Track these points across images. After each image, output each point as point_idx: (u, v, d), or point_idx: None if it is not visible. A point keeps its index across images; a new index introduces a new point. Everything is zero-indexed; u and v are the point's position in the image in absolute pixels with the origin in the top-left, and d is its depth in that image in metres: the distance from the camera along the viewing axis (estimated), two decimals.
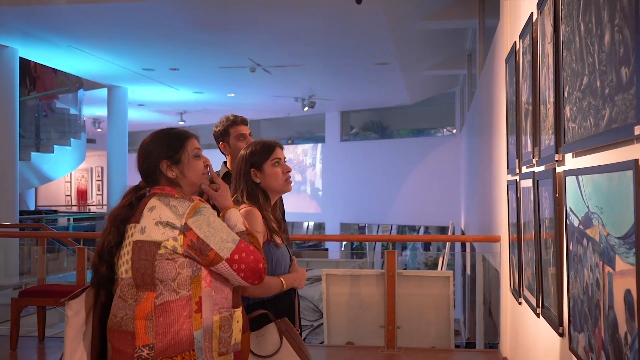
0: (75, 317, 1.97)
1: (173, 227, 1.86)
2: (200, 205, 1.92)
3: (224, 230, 1.91)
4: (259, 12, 7.93)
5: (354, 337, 5.00)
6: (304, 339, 7.51)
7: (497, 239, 4.59)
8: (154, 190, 1.98)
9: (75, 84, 13.40)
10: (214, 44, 9.53)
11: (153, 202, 1.93)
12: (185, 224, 1.86)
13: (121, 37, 9.15)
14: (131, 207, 1.96)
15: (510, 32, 3.84)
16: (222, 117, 3.01)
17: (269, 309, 2.22)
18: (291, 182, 2.43)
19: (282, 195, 2.53)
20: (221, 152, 2.94)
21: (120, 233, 1.94)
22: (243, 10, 7.80)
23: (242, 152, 2.43)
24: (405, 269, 15.57)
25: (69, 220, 13.73)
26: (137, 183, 2.05)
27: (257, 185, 2.35)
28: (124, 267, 1.90)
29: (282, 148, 2.44)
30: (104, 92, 13.02)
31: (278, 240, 2.32)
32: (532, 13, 2.69)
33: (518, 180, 3.17)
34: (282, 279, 2.28)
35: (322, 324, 5.34)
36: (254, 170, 2.35)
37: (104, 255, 1.94)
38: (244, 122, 2.98)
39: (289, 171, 2.42)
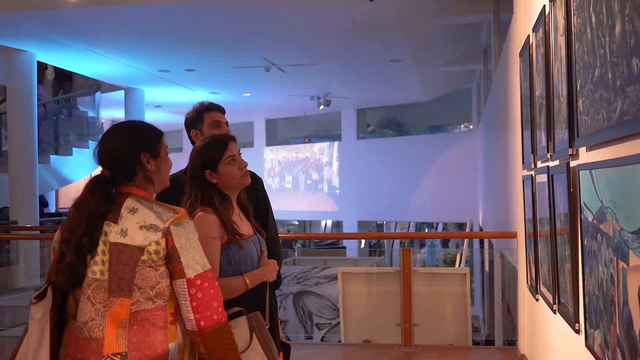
0: (41, 320, 1.81)
1: (156, 229, 1.78)
2: (185, 219, 1.84)
3: (199, 251, 1.83)
4: (272, 12, 7.94)
5: (371, 335, 4.99)
6: (322, 338, 7.51)
7: (513, 235, 4.55)
8: (127, 188, 1.86)
9: (93, 86, 13.54)
10: (228, 45, 9.56)
11: (132, 203, 1.83)
12: (168, 227, 1.79)
13: (136, 39, 9.22)
14: (107, 202, 1.82)
15: (523, 26, 3.80)
16: (196, 103, 2.77)
17: (239, 302, 2.14)
18: (248, 175, 2.30)
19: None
20: (191, 142, 2.63)
21: (98, 231, 1.81)
22: (257, 10, 7.82)
23: (193, 150, 2.30)
24: (423, 266, 15.51)
25: None
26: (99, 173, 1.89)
27: (212, 187, 2.23)
28: (99, 267, 1.78)
29: (235, 141, 2.31)
30: (121, 94, 13.14)
31: (244, 235, 2.22)
32: (544, 6, 2.66)
33: (533, 175, 3.13)
34: (246, 279, 2.18)
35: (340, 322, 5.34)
36: (209, 171, 2.23)
37: (83, 254, 1.80)
38: (220, 109, 2.72)
39: (246, 166, 2.30)
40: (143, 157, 1.86)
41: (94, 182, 1.86)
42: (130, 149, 1.85)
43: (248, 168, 2.36)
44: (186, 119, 2.72)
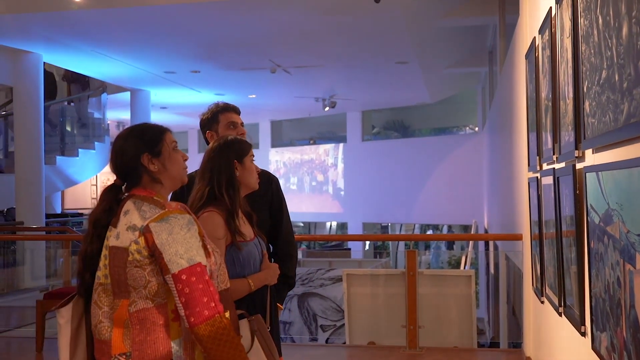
0: (66, 325, 1.90)
1: (135, 229, 1.77)
2: (172, 213, 1.80)
3: (185, 245, 1.76)
4: (278, 14, 7.95)
5: (375, 337, 4.98)
6: (327, 340, 7.50)
7: (519, 237, 4.53)
8: (133, 191, 1.87)
9: (99, 88, 13.58)
10: (234, 46, 9.58)
11: (128, 205, 1.84)
12: (147, 225, 1.76)
13: (143, 40, 9.25)
14: (111, 210, 1.86)
15: (529, 28, 3.79)
16: (211, 104, 2.75)
17: (239, 305, 2.14)
18: (258, 180, 2.39)
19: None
20: (207, 142, 2.63)
21: (101, 239, 1.85)
22: (262, 12, 7.83)
23: (215, 144, 2.32)
24: (428, 268, 15.48)
25: None
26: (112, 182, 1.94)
27: (236, 177, 2.27)
28: (103, 271, 1.83)
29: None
30: (127, 95, 13.18)
31: (246, 237, 2.24)
32: (550, 7, 2.65)
33: (539, 177, 3.12)
34: (250, 281, 2.21)
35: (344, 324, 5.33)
36: (237, 162, 2.28)
37: (87, 262, 1.87)
38: (235, 109, 2.71)
39: (259, 172, 2.41)
40: (144, 158, 1.87)
41: (103, 192, 1.91)
42: (130, 154, 1.87)
43: (262, 168, 2.44)
44: (201, 121, 2.71)
